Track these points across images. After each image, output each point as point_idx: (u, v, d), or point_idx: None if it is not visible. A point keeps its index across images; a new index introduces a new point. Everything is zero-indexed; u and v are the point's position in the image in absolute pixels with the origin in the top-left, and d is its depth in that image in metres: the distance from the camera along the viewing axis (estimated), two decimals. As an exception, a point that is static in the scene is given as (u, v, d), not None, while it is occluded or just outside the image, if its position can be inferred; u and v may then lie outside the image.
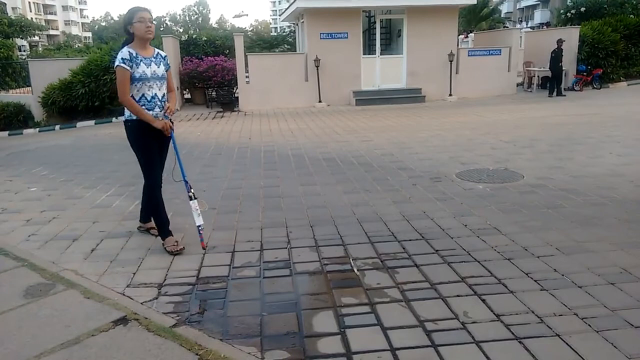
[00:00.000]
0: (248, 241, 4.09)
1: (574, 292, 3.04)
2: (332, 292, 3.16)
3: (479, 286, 3.15)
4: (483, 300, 2.97)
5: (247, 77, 14.98)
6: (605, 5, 20.71)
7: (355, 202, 5.13)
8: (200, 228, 3.87)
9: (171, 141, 3.93)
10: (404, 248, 3.84)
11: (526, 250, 3.70)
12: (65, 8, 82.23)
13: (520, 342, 2.54)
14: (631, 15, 18.56)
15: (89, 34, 78.96)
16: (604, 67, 16.46)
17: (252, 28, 51.30)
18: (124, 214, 4.96)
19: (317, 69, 14.81)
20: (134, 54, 3.59)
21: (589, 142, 7.77)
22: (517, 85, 17.04)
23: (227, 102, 15.14)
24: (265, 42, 27.64)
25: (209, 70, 15.28)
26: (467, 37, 23.34)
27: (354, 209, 4.89)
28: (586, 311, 2.80)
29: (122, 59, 3.55)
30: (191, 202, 3.88)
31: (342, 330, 2.72)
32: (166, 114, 3.79)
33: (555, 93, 15.08)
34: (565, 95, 14.96)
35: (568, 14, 21.85)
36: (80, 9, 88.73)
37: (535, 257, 3.57)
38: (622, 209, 4.58)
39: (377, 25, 15.54)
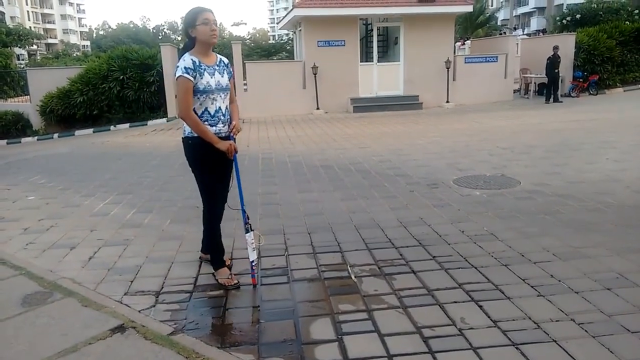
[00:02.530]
0: (245, 248, 4.06)
1: (570, 297, 3.05)
2: (330, 299, 3.16)
3: (476, 292, 3.16)
4: (480, 307, 2.98)
5: (245, 84, 15.04)
6: (601, 12, 20.90)
7: (352, 208, 5.14)
8: (252, 264, 3.40)
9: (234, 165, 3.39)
10: (401, 254, 3.85)
11: (523, 256, 3.72)
12: (63, 17, 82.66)
13: (517, 348, 2.54)
14: (626, 22, 18.70)
15: (88, 43, 79.22)
16: (600, 74, 16.57)
17: (250, 36, 51.55)
18: (122, 222, 4.96)
19: (315, 76, 14.88)
20: (197, 62, 3.10)
21: (586, 148, 7.81)
22: (514, 91, 17.14)
23: (225, 109, 15.17)
24: (264, 50, 27.76)
25: (207, 78, 15.31)
26: (464, 44, 23.49)
27: (351, 215, 4.90)
28: (583, 317, 2.81)
29: (185, 68, 3.06)
30: (247, 234, 3.37)
31: (340, 337, 2.72)
32: (232, 134, 3.32)
33: (551, 99, 15.16)
34: (561, 102, 15.04)
35: (564, 20, 22.04)
36: (78, 18, 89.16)
37: (532, 263, 3.58)
38: (618, 215, 4.59)
39: (374, 33, 15.64)
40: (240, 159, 8.20)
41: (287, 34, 31.82)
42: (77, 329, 2.85)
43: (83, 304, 3.16)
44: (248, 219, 3.41)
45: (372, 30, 15.75)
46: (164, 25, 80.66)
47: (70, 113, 14.31)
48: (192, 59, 3.11)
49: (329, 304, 3.10)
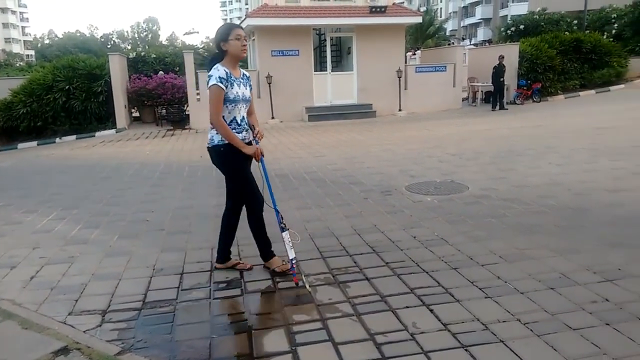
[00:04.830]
0: (198, 262, 4.00)
1: (516, 298, 3.16)
2: (284, 310, 3.14)
3: (427, 296, 3.22)
4: (431, 310, 3.04)
5: (198, 94, 14.82)
6: (542, 23, 22.05)
7: (307, 217, 5.15)
8: (292, 261, 3.51)
9: (261, 168, 3.56)
10: (355, 262, 3.88)
11: (471, 259, 3.82)
12: (5, 26, 78.87)
13: (466, 350, 2.61)
14: (566, 32, 19.77)
15: (32, 52, 75.85)
16: (542, 82, 17.37)
17: (203, 45, 50.89)
18: (67, 239, 4.75)
19: (270, 86, 14.86)
20: (229, 73, 3.37)
21: (530, 153, 8.16)
22: (463, 100, 17.71)
23: (178, 120, 14.89)
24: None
25: (159, 87, 15.02)
26: (415, 54, 24.15)
27: (306, 224, 4.89)
28: (528, 316, 2.92)
29: (219, 77, 3.30)
30: (283, 233, 3.53)
31: (294, 348, 2.70)
32: (257, 139, 3.57)
33: (498, 107, 15.77)
34: (507, 109, 15.67)
35: (508, 31, 23.10)
36: (22, 27, 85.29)
37: (480, 266, 3.69)
38: (560, 217, 4.81)
39: (328, 43, 15.81)
40: (193, 170, 8.10)
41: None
42: (17, 353, 2.70)
43: (23, 326, 2.99)
44: (282, 219, 3.57)
45: (325, 40, 15.91)
46: (112, 34, 78.42)
47: (12, 125, 13.65)
48: (225, 70, 3.35)
49: (283, 315, 3.08)
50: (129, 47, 51.30)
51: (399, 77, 15.67)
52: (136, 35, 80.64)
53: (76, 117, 14.26)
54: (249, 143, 3.57)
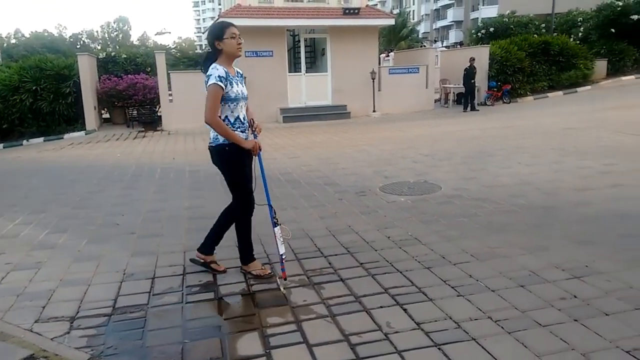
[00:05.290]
0: (170, 266, 3.94)
1: (487, 296, 3.21)
2: (258, 313, 3.12)
3: (401, 296, 3.25)
4: (405, 310, 3.06)
5: (170, 95, 14.61)
6: (512, 26, 22.55)
7: (282, 219, 5.04)
8: (282, 257, 3.57)
9: (258, 162, 3.59)
10: (330, 263, 3.88)
11: (444, 258, 3.87)
12: (-32, 23, 76.19)
13: (439, 348, 2.63)
14: (535, 35, 20.28)
15: (-4, 51, 73.42)
16: (512, 83, 17.77)
17: (175, 45, 50.21)
18: (33, 244, 4.61)
19: (243, 87, 14.76)
20: (227, 72, 3.33)
21: (500, 153, 8.32)
22: (435, 101, 17.97)
23: (150, 121, 14.64)
24: (191, 60, 27.19)
25: (129, 88, 14.76)
26: (388, 55, 24.36)
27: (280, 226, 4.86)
28: (499, 314, 2.97)
29: (219, 76, 3.25)
30: (275, 228, 3.57)
31: (268, 351, 2.68)
32: (255, 132, 3.58)
33: (469, 108, 16.05)
34: (478, 110, 15.96)
35: (479, 33, 23.54)
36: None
37: (452, 265, 3.74)
38: (530, 215, 4.92)
39: (302, 44, 15.81)
40: (165, 172, 7.97)
41: (214, 44, 31.33)
42: (-22, 364, 2.60)
43: (-14, 335, 2.89)
44: (275, 214, 3.60)
45: (299, 41, 15.91)
46: (82, 34, 76.56)
47: (-24, 128, 13.21)
48: (224, 69, 3.30)
49: (257, 318, 3.05)
50: (99, 47, 50.22)
51: (373, 79, 15.79)
52: (106, 35, 78.91)
53: (44, 119, 13.89)
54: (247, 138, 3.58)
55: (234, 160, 3.45)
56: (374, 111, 16.01)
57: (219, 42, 3.33)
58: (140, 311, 3.19)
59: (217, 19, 15.56)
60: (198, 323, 3.03)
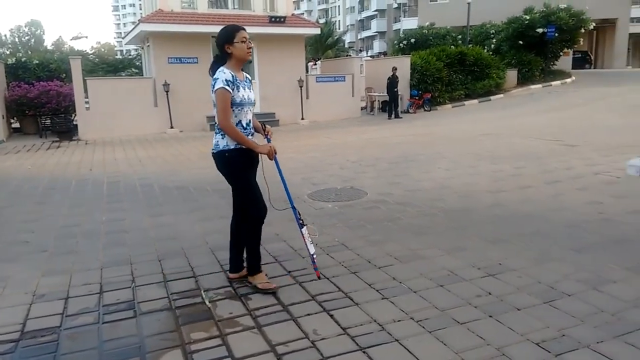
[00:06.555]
0: (85, 284, 3.70)
1: (410, 297, 3.32)
2: (181, 329, 3.01)
3: (328, 302, 3.27)
4: (331, 316, 3.09)
5: (87, 102, 13.85)
6: (431, 37, 23.69)
7: (208, 230, 5.00)
8: (313, 256, 3.64)
9: (275, 166, 3.62)
10: (256, 273, 3.83)
11: (369, 262, 3.96)
12: None
13: (364, 352, 2.68)
14: (452, 46, 21.43)
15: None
16: (432, 92, 18.65)
17: (94, 50, 47.84)
18: None
19: (167, 94, 14.33)
20: (235, 76, 3.26)
21: (421, 158, 8.68)
22: (362, 109, 18.46)
23: (64, 130, 13.78)
24: (110, 66, 26.01)
25: (42, 96, 13.84)
26: (316, 64, 24.67)
27: (207, 237, 4.76)
28: (420, 314, 3.07)
29: (226, 80, 3.19)
30: (302, 229, 3.65)
31: (191, 368, 2.59)
32: (268, 137, 3.56)
33: (393, 115, 16.65)
34: (401, 118, 16.59)
35: (401, 44, 24.51)
36: None
37: (377, 268, 3.83)
38: (448, 218, 5.16)
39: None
40: (81, 185, 7.52)
41: (135, 49, 30.19)
42: None
43: None
44: (300, 215, 3.69)
45: (225, 48, 15.68)
46: (-13, 38, 70.63)
47: None
48: (231, 73, 3.26)
49: (180, 335, 2.94)
50: (8, 53, 46.59)
51: (301, 87, 15.93)
52: (17, 40, 73.39)
53: (-59, 129, 12.65)
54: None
55: (235, 166, 3.44)
56: (302, 119, 16.14)
57: (229, 46, 3.29)
58: (52, 334, 2.97)
59: (138, 24, 15.01)
60: (116, 344, 2.86)
